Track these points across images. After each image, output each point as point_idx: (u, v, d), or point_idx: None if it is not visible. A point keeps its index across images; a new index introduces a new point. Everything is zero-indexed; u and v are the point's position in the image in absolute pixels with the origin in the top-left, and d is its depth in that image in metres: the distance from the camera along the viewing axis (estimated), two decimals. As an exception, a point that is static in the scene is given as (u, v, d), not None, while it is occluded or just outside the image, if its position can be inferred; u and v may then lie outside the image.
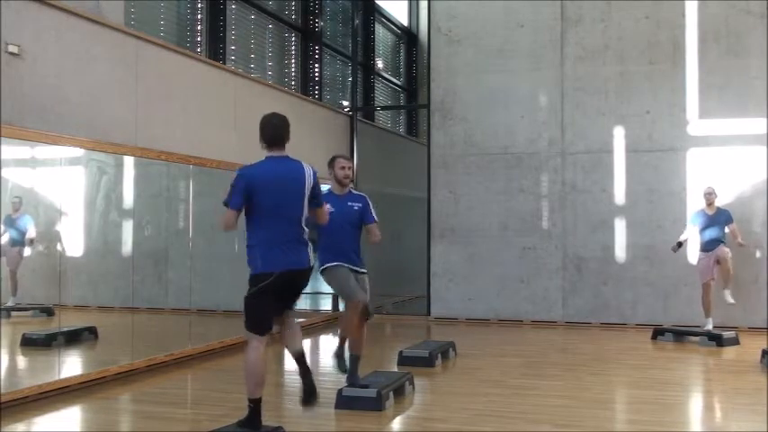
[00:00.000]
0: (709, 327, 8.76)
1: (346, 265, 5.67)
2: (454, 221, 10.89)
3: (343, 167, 5.80)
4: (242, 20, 10.28)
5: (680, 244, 9.06)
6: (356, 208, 5.77)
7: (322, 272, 5.73)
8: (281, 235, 4.43)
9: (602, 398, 6.15)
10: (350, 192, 5.86)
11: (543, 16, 10.61)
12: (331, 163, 5.87)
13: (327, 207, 5.12)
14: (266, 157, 4.52)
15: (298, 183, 4.50)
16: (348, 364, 5.84)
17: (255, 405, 4.45)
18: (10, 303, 6.69)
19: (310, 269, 4.64)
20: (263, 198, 4.38)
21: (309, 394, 4.62)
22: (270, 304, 4.45)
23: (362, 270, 5.78)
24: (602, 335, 9.55)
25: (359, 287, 5.65)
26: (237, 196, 4.35)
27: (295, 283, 4.54)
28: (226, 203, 4.40)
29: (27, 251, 6.77)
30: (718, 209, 8.90)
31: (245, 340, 4.52)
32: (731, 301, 8.67)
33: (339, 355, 5.97)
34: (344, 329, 5.94)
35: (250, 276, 4.46)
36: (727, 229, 8.80)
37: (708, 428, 5.52)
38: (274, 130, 4.51)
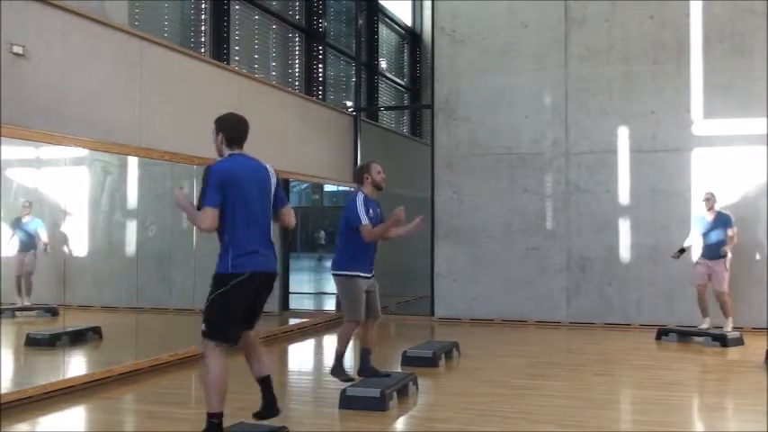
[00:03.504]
0: (705, 326, 8.79)
1: (363, 275, 5.90)
2: (458, 222, 10.88)
3: (380, 172, 6.05)
4: (246, 20, 10.29)
5: (682, 251, 9.05)
6: (380, 212, 6.10)
7: (339, 275, 5.92)
8: (254, 235, 4.17)
9: (605, 398, 6.14)
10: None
11: (547, 16, 10.60)
12: (366, 168, 6.10)
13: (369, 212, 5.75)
14: (231, 155, 4.27)
15: (266, 182, 4.28)
16: (361, 359, 6.12)
17: (218, 420, 4.09)
18: (26, 303, 6.83)
19: (276, 275, 4.37)
20: (236, 195, 4.10)
21: (268, 409, 4.35)
22: (237, 306, 4.14)
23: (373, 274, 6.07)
24: (606, 335, 9.54)
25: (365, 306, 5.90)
26: (214, 192, 4.04)
27: (263, 287, 4.26)
28: (199, 204, 4.08)
29: (40, 254, 6.83)
30: (719, 213, 8.86)
31: (203, 352, 4.17)
32: (729, 329, 8.66)
33: (339, 368, 6.10)
34: (345, 343, 6.10)
35: (216, 276, 4.16)
36: (730, 232, 8.76)
37: (711, 429, 5.50)
38: (242, 127, 4.32)
